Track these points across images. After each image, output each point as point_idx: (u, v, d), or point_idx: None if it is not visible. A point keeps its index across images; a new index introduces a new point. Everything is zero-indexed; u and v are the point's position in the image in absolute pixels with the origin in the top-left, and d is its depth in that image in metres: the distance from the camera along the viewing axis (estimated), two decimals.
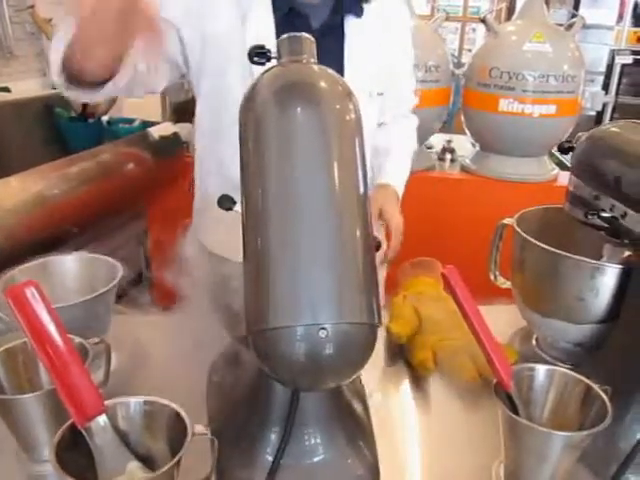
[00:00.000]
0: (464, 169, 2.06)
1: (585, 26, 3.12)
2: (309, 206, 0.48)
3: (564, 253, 0.73)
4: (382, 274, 1.23)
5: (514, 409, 0.61)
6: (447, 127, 2.46)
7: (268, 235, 0.47)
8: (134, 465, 0.54)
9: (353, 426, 0.67)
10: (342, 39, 1.03)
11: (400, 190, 1.16)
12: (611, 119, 2.54)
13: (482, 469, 0.66)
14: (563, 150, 0.78)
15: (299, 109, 0.51)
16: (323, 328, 0.45)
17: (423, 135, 2.07)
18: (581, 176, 0.74)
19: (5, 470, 0.65)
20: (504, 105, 1.81)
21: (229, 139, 0.78)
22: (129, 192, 1.80)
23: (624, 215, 0.66)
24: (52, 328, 0.51)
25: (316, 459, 0.63)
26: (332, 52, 1.03)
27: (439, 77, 1.91)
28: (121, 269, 0.80)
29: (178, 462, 0.53)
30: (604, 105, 2.54)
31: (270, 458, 0.61)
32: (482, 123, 1.93)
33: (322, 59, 1.01)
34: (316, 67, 0.55)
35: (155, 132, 1.81)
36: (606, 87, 2.60)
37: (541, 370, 0.64)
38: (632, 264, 0.68)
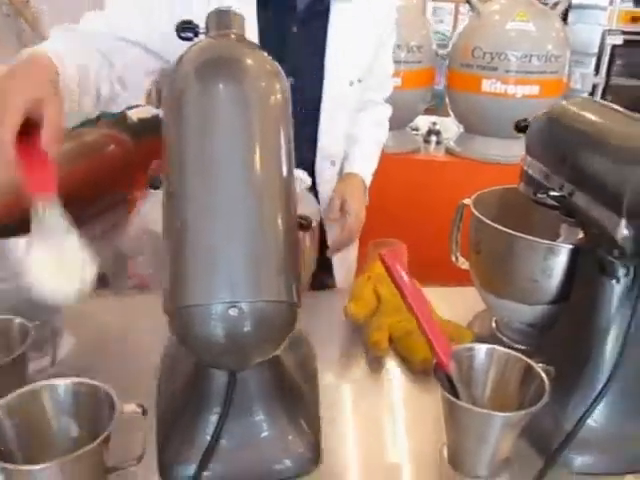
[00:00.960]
0: (449, 151, 2.04)
1: (581, 6, 3.08)
2: (226, 184, 0.48)
3: (516, 233, 0.72)
4: (354, 254, 1.23)
5: (454, 390, 0.61)
6: (438, 109, 2.43)
7: (185, 213, 0.47)
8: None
9: (296, 405, 0.66)
10: (326, 23, 1.00)
11: (367, 179, 1.15)
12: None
13: (428, 450, 0.66)
14: (519, 129, 0.76)
15: (220, 85, 0.50)
16: (236, 306, 0.44)
17: (407, 117, 2.06)
18: (533, 154, 0.73)
19: None
20: (487, 86, 1.78)
21: None
22: (110, 174, 1.78)
23: (572, 194, 0.65)
24: None
25: (256, 438, 0.63)
26: (314, 36, 1.01)
27: (422, 58, 1.89)
28: None
29: (106, 440, 0.53)
30: (594, 86, 2.51)
31: (209, 438, 0.61)
32: (465, 104, 1.91)
33: (303, 43, 1.01)
34: (244, 43, 0.53)
35: (134, 114, 1.78)
36: (597, 68, 2.57)
37: (481, 350, 0.63)
38: (582, 244, 0.67)
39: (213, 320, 0.44)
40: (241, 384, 0.62)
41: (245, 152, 0.49)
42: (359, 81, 1.07)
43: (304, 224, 0.57)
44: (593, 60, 2.78)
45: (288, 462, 0.63)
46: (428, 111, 2.30)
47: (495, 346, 0.63)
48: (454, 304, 0.96)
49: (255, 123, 0.50)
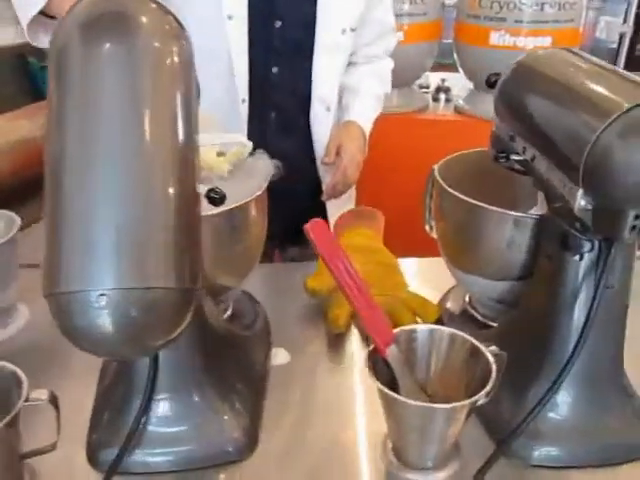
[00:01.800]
0: (458, 110, 1.93)
1: None
2: (106, 156, 0.42)
3: (477, 202, 0.64)
4: (350, 205, 1.18)
5: (393, 378, 0.55)
6: (453, 65, 2.30)
7: (61, 188, 0.42)
8: None
9: (231, 388, 0.63)
10: None
11: (367, 128, 1.12)
12: (630, 53, 2.32)
13: (375, 440, 0.61)
14: (490, 84, 0.68)
15: (102, 43, 0.44)
16: (108, 294, 0.40)
17: (412, 73, 1.94)
18: (499, 113, 0.65)
19: None
20: (495, 38, 1.65)
21: None
22: None
23: (534, 158, 0.58)
24: None
25: (187, 423, 0.59)
26: None
27: (426, 9, 1.76)
28: (18, 222, 0.76)
29: (12, 424, 0.50)
30: (621, 36, 2.32)
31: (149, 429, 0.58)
32: (473, 59, 1.78)
33: None
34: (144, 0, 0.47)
35: None
36: (626, 16, 2.37)
37: (424, 331, 0.58)
38: (546, 216, 0.60)
39: (88, 309, 0.40)
40: (170, 366, 0.59)
41: (129, 119, 0.43)
42: (352, 30, 1.04)
43: (216, 198, 0.52)
44: (623, 8, 2.58)
45: (221, 447, 0.60)
46: (442, 68, 2.17)
47: (439, 327, 0.58)
48: (432, 276, 0.89)
49: (144, 87, 0.44)
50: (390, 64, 1.23)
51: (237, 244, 0.70)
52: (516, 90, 0.61)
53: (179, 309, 0.44)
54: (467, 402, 0.51)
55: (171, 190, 0.44)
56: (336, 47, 1.04)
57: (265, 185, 0.70)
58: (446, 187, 0.68)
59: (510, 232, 0.63)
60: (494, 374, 0.53)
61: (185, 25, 1.00)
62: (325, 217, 1.13)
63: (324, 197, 1.04)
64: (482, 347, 0.55)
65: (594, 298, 0.52)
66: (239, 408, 0.62)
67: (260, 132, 1.04)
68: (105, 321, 0.41)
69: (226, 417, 0.60)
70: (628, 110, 0.45)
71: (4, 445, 0.51)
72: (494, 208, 0.63)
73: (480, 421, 0.63)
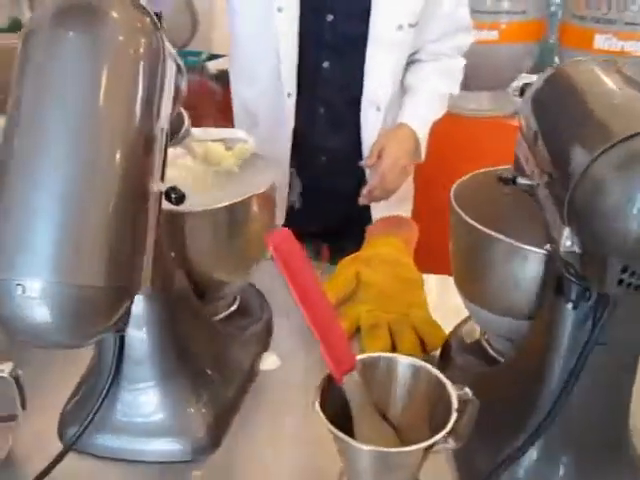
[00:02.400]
0: None
1: None
2: (48, 146, 0.42)
3: (482, 228, 0.58)
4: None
5: (346, 411, 0.51)
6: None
7: (4, 171, 0.42)
8: None
9: (205, 387, 0.62)
10: None
11: (421, 131, 1.04)
12: None
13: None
14: (521, 94, 0.61)
15: (70, 32, 0.44)
16: (25, 285, 0.40)
17: (506, 76, 1.81)
18: (520, 129, 0.58)
19: None
20: (600, 42, 1.49)
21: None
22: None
23: (537, 185, 0.50)
24: None
25: (149, 414, 0.60)
26: None
27: (527, 7, 1.62)
28: None
29: None
30: None
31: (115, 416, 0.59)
32: None
33: None
34: None
35: (213, 66, 1.78)
36: None
37: (387, 360, 0.52)
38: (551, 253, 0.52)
39: (8, 298, 0.40)
40: (140, 358, 0.59)
41: (79, 110, 0.43)
42: (410, 26, 0.99)
43: (175, 197, 0.50)
44: None
45: (179, 443, 0.59)
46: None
47: (401, 357, 0.52)
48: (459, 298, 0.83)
49: (101, 79, 0.43)
50: (460, 62, 1.13)
51: (235, 240, 0.68)
52: (535, 105, 0.53)
53: (106, 307, 0.43)
54: (414, 448, 0.46)
55: (115, 185, 0.43)
56: (391, 44, 0.98)
57: (269, 185, 0.68)
58: (455, 205, 0.62)
59: (516, 265, 0.56)
60: (453, 417, 0.47)
61: (235, 16, 1.01)
62: (369, 219, 1.09)
63: (360, 200, 0.99)
64: (449, 386, 0.49)
65: (580, 355, 0.44)
66: (205, 408, 0.61)
67: (307, 127, 1.03)
68: (24, 312, 0.41)
69: (190, 415, 0.60)
70: (618, 143, 0.37)
71: None
72: (500, 236, 0.56)
73: (455, 467, 0.57)
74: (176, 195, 0.50)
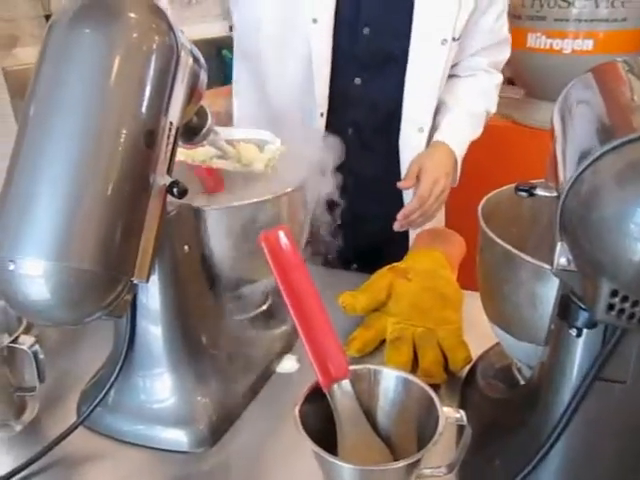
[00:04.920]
0: None
1: None
2: (55, 137, 0.45)
3: (500, 242, 0.53)
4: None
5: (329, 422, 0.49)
6: None
7: (16, 155, 0.46)
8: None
9: (209, 381, 0.63)
10: None
11: (459, 151, 0.97)
12: None
13: None
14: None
15: (86, 28, 0.47)
16: (12, 261, 0.42)
17: None
18: (552, 135, 0.53)
19: None
20: None
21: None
22: None
23: (559, 196, 0.45)
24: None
25: (154, 402, 0.62)
26: None
27: (627, 14, 1.50)
28: None
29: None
30: None
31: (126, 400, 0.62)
32: None
33: None
34: None
35: None
36: None
37: (377, 372, 0.50)
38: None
39: (3, 274, 0.43)
40: (151, 344, 0.61)
41: (88, 101, 0.45)
42: (454, 40, 0.92)
43: (178, 191, 0.51)
44: None
45: (179, 432, 0.60)
46: None
47: (392, 370, 0.50)
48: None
49: (111, 73, 0.46)
50: (497, 79, 1.05)
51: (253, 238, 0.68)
52: (558, 113, 0.48)
53: (98, 290, 0.45)
54: (390, 467, 0.44)
55: (115, 175, 0.45)
56: (434, 59, 0.91)
57: (297, 185, 0.67)
58: (481, 219, 0.58)
59: (532, 284, 0.51)
60: (436, 436, 0.44)
61: (269, 26, 0.94)
62: (407, 244, 1.02)
63: (395, 226, 0.91)
64: (437, 402, 0.46)
65: (577, 390, 0.40)
66: (210, 401, 0.61)
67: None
68: (20, 289, 0.44)
69: (192, 406, 0.61)
70: (616, 147, 0.33)
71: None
72: (514, 251, 0.51)
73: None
74: (178, 189, 0.51)
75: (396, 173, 0.98)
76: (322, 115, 0.93)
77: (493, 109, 1.04)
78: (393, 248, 0.95)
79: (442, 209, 1.02)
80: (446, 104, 0.99)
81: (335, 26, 0.89)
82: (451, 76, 1.00)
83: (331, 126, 0.94)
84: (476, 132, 1.01)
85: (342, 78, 0.92)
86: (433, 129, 0.99)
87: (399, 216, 0.90)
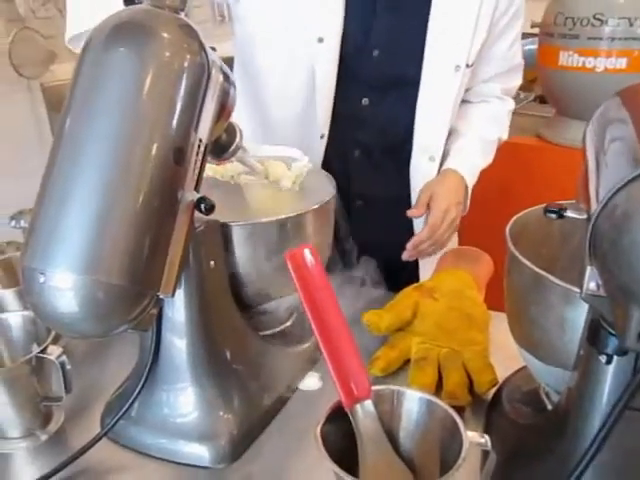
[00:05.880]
0: None
1: None
2: (88, 155, 0.46)
3: (528, 264, 0.52)
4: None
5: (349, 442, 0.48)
6: None
7: (49, 172, 0.47)
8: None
9: (234, 397, 0.63)
10: None
11: (470, 179, 0.96)
12: None
13: None
14: None
15: (121, 47, 0.48)
16: (46, 274, 0.44)
17: None
18: (583, 155, 0.52)
19: None
20: None
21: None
22: None
23: (589, 218, 0.44)
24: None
25: (177, 417, 0.62)
26: (414, 9, 0.87)
27: None
28: None
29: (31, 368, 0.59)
30: None
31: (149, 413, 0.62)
32: None
33: (400, 17, 0.89)
34: (169, 14, 0.50)
35: None
36: None
37: (400, 393, 0.49)
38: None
39: (34, 285, 0.44)
40: (175, 358, 0.61)
41: (120, 118, 0.46)
42: (468, 66, 0.90)
43: (206, 207, 0.52)
44: None
45: (201, 447, 0.60)
46: None
47: (416, 391, 0.49)
48: None
49: (140, 89, 0.47)
50: (510, 105, 1.04)
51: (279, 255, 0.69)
52: (589, 133, 0.48)
53: (124, 305, 0.46)
54: None
55: (145, 191, 0.46)
56: (447, 86, 0.89)
57: (323, 202, 0.68)
58: (509, 240, 0.57)
59: (561, 308, 0.50)
60: (460, 461, 0.43)
61: (274, 45, 0.90)
62: (417, 273, 1.01)
63: (404, 255, 0.89)
64: (463, 429, 0.45)
65: (606, 420, 0.38)
66: (233, 417, 0.61)
67: (342, 172, 0.90)
68: (49, 301, 0.45)
69: (214, 421, 0.61)
70: None
71: (27, 382, 0.60)
72: (543, 273, 0.51)
73: None
74: (206, 205, 0.51)
75: (406, 200, 0.97)
76: (322, 137, 0.91)
77: (505, 136, 1.03)
78: (403, 275, 0.93)
79: (455, 237, 1.00)
80: (458, 130, 0.98)
81: (342, 46, 0.86)
82: (463, 102, 0.98)
83: (334, 147, 0.92)
84: (487, 159, 0.99)
85: (348, 99, 0.90)
86: (444, 155, 0.97)
87: (409, 246, 0.89)
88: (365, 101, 0.92)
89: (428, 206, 0.90)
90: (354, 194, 0.98)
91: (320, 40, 0.85)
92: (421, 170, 0.95)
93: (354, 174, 0.96)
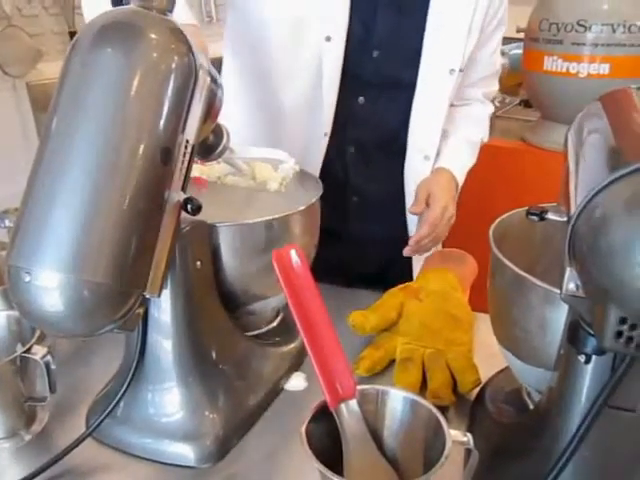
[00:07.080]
0: None
1: None
2: (75, 155, 0.46)
3: (509, 264, 0.53)
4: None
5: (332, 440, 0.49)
6: None
7: (36, 171, 0.47)
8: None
9: (218, 397, 0.63)
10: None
11: (460, 178, 0.98)
12: None
13: None
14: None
15: (108, 47, 0.48)
16: (32, 273, 0.43)
17: None
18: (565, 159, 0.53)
19: None
20: None
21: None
22: None
23: (569, 221, 0.45)
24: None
25: (163, 416, 0.62)
26: (413, 13, 0.90)
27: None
28: None
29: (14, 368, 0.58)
30: None
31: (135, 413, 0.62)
32: None
33: (397, 15, 0.91)
34: (157, 15, 0.50)
35: None
36: None
37: (384, 393, 0.50)
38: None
39: (18, 284, 0.44)
40: (160, 358, 0.61)
41: (106, 118, 0.46)
42: (460, 70, 0.93)
43: (192, 207, 0.52)
44: None
45: (186, 446, 0.60)
46: None
47: (400, 390, 0.49)
48: None
49: (129, 91, 0.47)
50: (489, 109, 1.07)
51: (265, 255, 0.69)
52: (570, 138, 0.49)
53: (110, 304, 0.46)
54: None
55: (131, 191, 0.46)
56: (442, 89, 0.92)
57: (310, 204, 0.68)
58: (492, 242, 0.58)
59: (542, 309, 0.51)
60: (443, 459, 0.43)
61: (284, 43, 0.92)
62: (411, 268, 1.03)
63: (406, 251, 0.91)
64: (446, 428, 0.46)
65: (585, 417, 0.39)
66: (218, 416, 0.62)
67: (340, 168, 0.96)
68: (34, 299, 0.44)
69: (200, 421, 0.61)
70: (631, 173, 0.33)
71: (12, 382, 0.60)
72: (525, 275, 0.51)
73: None
74: (192, 205, 0.52)
75: (401, 197, 0.99)
76: (326, 135, 0.93)
77: (486, 138, 1.06)
78: (396, 271, 0.96)
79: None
80: (446, 131, 1.00)
81: (346, 46, 0.88)
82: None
83: (333, 145, 0.94)
84: (473, 160, 1.02)
85: (346, 98, 0.92)
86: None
87: (411, 242, 0.90)
88: (361, 99, 0.94)
89: (426, 203, 0.91)
90: (350, 190, 1.00)
91: (328, 39, 0.87)
92: (415, 169, 0.97)
93: (350, 171, 0.98)
